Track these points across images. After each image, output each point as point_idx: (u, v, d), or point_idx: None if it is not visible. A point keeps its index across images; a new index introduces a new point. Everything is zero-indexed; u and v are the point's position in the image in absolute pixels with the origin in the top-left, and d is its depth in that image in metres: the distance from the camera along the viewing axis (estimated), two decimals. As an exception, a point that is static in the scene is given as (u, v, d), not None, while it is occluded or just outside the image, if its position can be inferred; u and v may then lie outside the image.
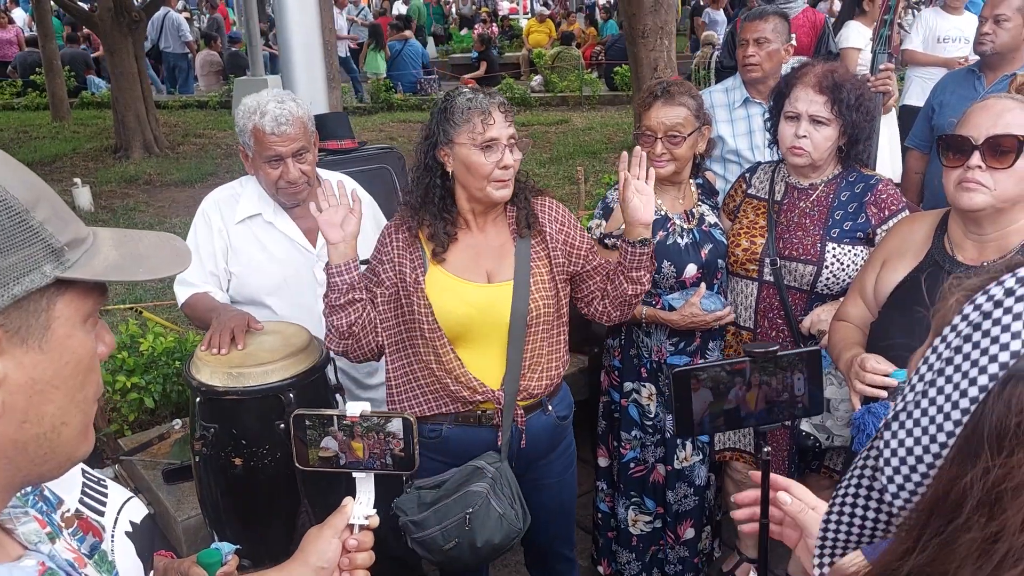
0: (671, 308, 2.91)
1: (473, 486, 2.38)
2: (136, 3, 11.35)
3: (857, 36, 5.67)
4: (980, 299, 0.77)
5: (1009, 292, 0.75)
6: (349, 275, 2.39)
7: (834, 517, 0.95)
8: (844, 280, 2.78)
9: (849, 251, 2.79)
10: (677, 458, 3.06)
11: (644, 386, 3.04)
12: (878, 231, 2.77)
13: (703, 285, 2.90)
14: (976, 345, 0.75)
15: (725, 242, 3.00)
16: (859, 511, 0.92)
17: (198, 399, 2.49)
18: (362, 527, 1.46)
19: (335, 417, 1.53)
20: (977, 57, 4.32)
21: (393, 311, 2.50)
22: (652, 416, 3.04)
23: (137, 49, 11.41)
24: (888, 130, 4.52)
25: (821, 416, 2.73)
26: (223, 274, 2.91)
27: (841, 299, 2.69)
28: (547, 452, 2.64)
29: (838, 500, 0.94)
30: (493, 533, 2.37)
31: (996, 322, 0.74)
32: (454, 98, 2.43)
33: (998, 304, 0.75)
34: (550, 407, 2.59)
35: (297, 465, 1.57)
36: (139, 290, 6.65)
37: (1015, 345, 0.72)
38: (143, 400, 4.08)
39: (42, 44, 13.71)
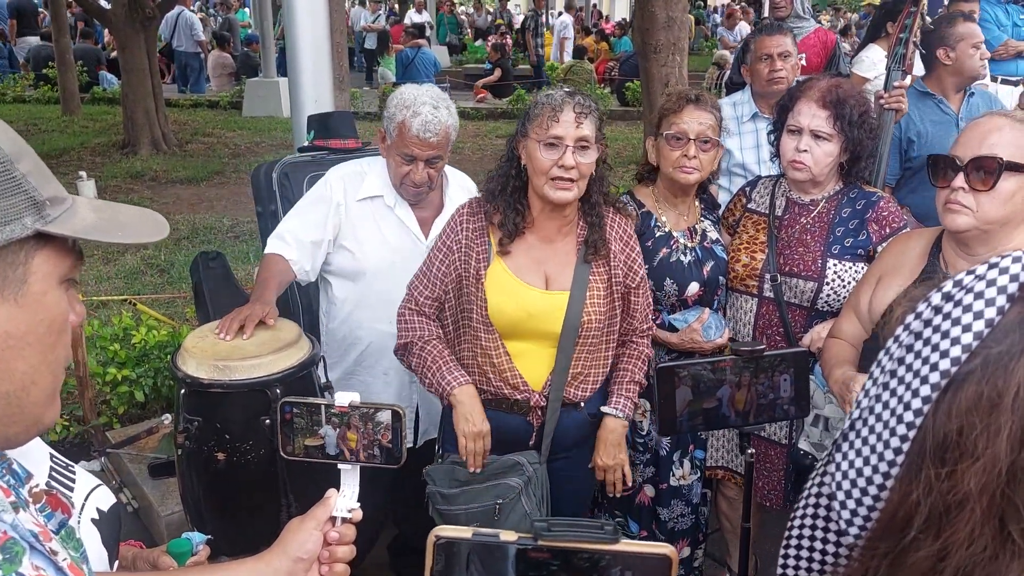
0: (671, 327, 2.87)
1: (509, 479, 2.42)
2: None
3: (869, 64, 5.60)
4: (921, 308, 0.74)
5: (947, 297, 0.72)
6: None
7: (792, 553, 0.91)
8: (845, 297, 2.73)
9: (850, 268, 2.76)
10: (674, 475, 3.02)
11: (639, 402, 2.98)
12: (879, 248, 2.73)
13: (707, 311, 2.86)
14: (918, 355, 0.72)
15: (726, 258, 2.96)
16: (817, 544, 0.88)
17: (183, 391, 2.46)
18: (344, 520, 1.43)
19: (323, 407, 1.52)
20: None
21: (455, 295, 2.55)
22: (644, 434, 2.99)
23: (149, 46, 11.42)
24: None
25: (819, 435, 2.68)
26: (325, 246, 2.94)
27: (840, 316, 2.65)
28: (575, 445, 2.66)
29: (794, 535, 0.89)
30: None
31: (936, 329, 0.71)
32: (540, 94, 2.52)
33: (937, 310, 0.72)
34: (582, 404, 2.62)
35: (281, 454, 1.55)
36: (137, 284, 6.63)
37: (955, 351, 0.69)
38: (133, 393, 4.06)
39: (55, 39, 13.73)
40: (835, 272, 2.76)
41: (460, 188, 3.13)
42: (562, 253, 2.55)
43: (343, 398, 1.50)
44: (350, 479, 1.50)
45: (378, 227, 2.96)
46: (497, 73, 17.34)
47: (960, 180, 2.13)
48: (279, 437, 1.55)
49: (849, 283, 2.74)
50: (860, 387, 2.12)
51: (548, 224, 2.53)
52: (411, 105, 2.79)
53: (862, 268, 2.74)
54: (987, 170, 2.09)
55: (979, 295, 0.70)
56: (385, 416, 1.49)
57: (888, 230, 2.75)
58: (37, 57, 17.09)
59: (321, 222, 2.91)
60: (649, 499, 3.05)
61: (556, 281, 2.52)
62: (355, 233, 2.95)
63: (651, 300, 2.71)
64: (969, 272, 0.72)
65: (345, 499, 1.45)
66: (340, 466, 1.51)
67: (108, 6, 11.91)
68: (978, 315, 0.69)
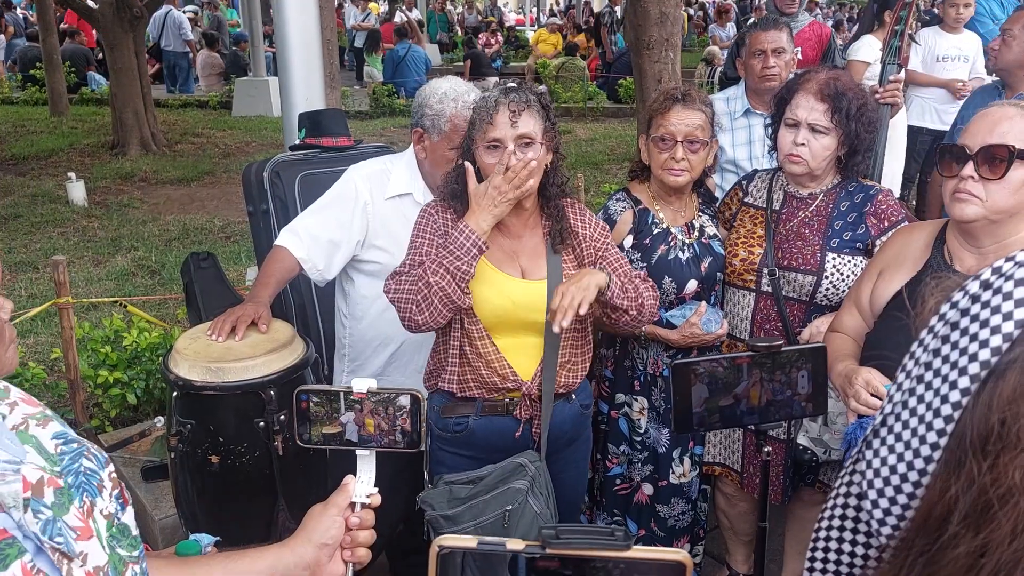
0: (669, 325, 2.84)
1: (514, 483, 2.38)
2: None
3: (868, 50, 5.60)
4: (957, 296, 0.71)
5: (986, 285, 0.68)
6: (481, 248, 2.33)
7: (819, 555, 0.87)
8: (844, 290, 2.72)
9: (849, 261, 2.74)
10: (674, 473, 3.00)
11: (636, 400, 2.97)
12: (877, 242, 2.72)
13: (703, 303, 2.84)
14: (955, 345, 0.69)
15: (724, 254, 2.93)
16: (846, 546, 0.85)
17: (175, 394, 2.43)
18: (363, 505, 1.47)
19: (341, 393, 1.54)
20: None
21: None
22: (642, 432, 2.97)
23: (138, 45, 11.34)
24: (893, 145, 4.47)
25: (818, 429, 2.66)
26: (348, 247, 2.86)
27: (840, 310, 2.63)
28: (570, 442, 2.64)
29: (821, 537, 0.86)
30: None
31: (974, 318, 0.68)
32: (480, 97, 2.46)
33: (975, 299, 0.68)
34: (573, 395, 2.59)
35: (298, 442, 1.57)
36: (128, 286, 6.58)
37: (995, 340, 0.66)
38: (125, 396, 4.02)
39: (43, 39, 13.65)
40: (834, 266, 2.74)
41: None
42: (531, 247, 2.53)
43: (360, 384, 1.52)
44: (366, 465, 1.53)
45: (409, 224, 2.87)
46: (467, 64, 17.42)
47: (969, 169, 2.09)
48: (294, 425, 1.57)
49: (848, 277, 2.72)
50: (862, 381, 2.10)
51: (513, 220, 2.50)
52: (458, 97, 2.75)
53: (861, 262, 2.73)
54: (998, 158, 2.06)
55: (1020, 282, 0.66)
56: (405, 400, 1.52)
57: (887, 224, 2.74)
58: (25, 58, 16.99)
59: (346, 221, 2.84)
60: (647, 498, 3.03)
61: (532, 272, 2.50)
62: (387, 231, 2.88)
63: (625, 261, 2.63)
64: (1008, 259, 0.68)
65: (363, 485, 1.49)
66: (357, 452, 1.54)
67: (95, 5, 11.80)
68: (1020, 302, 0.65)
